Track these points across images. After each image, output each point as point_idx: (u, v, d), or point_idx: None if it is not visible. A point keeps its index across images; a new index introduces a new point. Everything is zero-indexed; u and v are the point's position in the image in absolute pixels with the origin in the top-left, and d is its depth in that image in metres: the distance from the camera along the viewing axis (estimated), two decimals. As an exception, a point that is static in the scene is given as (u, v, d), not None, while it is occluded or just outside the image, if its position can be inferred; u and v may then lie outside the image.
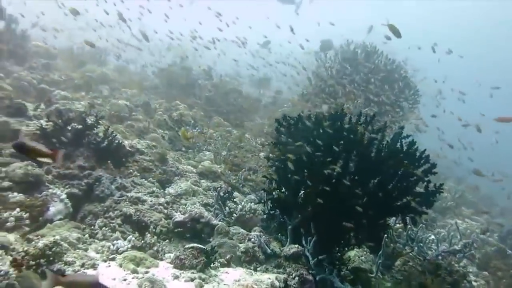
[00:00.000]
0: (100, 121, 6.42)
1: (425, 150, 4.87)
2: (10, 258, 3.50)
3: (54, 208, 5.05)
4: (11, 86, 8.37)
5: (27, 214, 4.58)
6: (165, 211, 5.83)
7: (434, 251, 5.74)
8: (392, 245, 5.92)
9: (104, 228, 5.12)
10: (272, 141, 5.40)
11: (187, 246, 4.65)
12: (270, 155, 5.52)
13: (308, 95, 11.58)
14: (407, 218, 5.06)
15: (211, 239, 5.35)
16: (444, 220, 10.79)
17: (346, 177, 4.73)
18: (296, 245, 5.05)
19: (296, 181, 5.06)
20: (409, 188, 4.80)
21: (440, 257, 5.68)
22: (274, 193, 5.27)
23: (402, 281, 5.54)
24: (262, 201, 5.59)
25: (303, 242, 4.94)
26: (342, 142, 4.83)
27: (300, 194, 5.13)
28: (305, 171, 4.93)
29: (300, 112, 5.33)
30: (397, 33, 7.64)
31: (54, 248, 3.67)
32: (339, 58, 11.47)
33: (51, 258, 3.62)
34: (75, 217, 5.31)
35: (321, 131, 4.95)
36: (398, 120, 10.69)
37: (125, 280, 3.89)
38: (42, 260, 3.55)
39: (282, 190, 5.28)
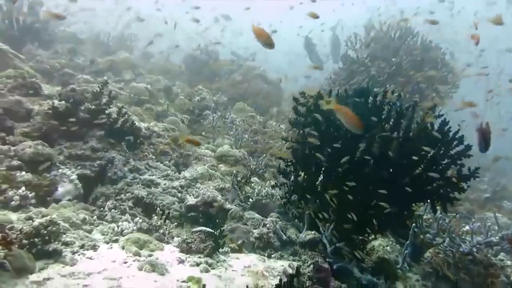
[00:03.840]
0: (113, 101, 6.21)
1: (458, 130, 4.43)
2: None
3: (63, 188, 4.91)
4: (32, 69, 8.32)
5: (33, 194, 4.43)
6: (179, 194, 5.60)
7: (468, 242, 5.26)
8: (421, 235, 5.51)
9: (113, 210, 4.93)
10: (290, 121, 5.06)
11: (194, 229, 4.40)
12: (288, 136, 5.20)
13: (337, 80, 11.12)
14: (437, 205, 4.65)
15: (224, 224, 5.09)
16: (482, 213, 10.15)
17: (370, 159, 4.36)
18: (313, 232, 4.72)
19: (315, 164, 4.73)
20: (440, 172, 4.38)
21: (475, 250, 5.22)
22: (291, 176, 4.95)
23: (432, 274, 5.15)
24: (279, 185, 5.27)
25: (321, 228, 4.62)
26: (366, 120, 4.45)
27: (319, 177, 4.79)
28: (325, 152, 4.59)
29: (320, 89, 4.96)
30: None
31: (50, 227, 3.46)
32: (370, 39, 10.92)
33: (46, 238, 3.42)
34: (86, 199, 5.15)
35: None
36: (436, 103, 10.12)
37: (125, 262, 3.67)
38: (36, 239, 3.36)
39: (300, 173, 4.95)
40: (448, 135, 4.42)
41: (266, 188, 5.87)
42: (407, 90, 9.91)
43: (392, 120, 4.46)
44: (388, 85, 9.78)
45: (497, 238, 5.68)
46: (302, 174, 4.99)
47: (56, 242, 3.52)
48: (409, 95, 9.79)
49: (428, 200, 4.61)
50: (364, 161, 4.36)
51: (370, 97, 4.61)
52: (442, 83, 10.48)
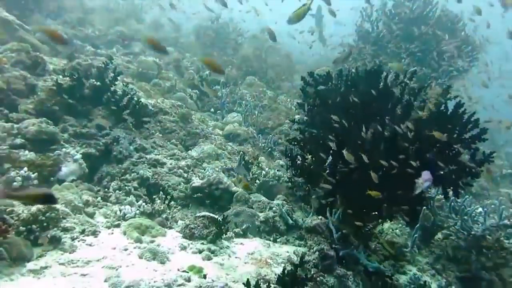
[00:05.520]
0: (119, 77, 6.05)
1: (474, 113, 4.20)
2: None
3: (67, 168, 4.82)
4: (39, 40, 8.17)
5: (35, 174, 4.35)
6: (185, 175, 5.51)
7: (480, 225, 5.10)
8: (432, 217, 5.38)
9: (118, 191, 4.86)
10: (298, 102, 4.87)
11: (198, 214, 4.32)
12: (296, 117, 5.02)
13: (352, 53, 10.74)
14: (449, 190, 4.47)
15: (230, 207, 5.00)
16: (497, 190, 9.89)
17: (380, 144, 4.18)
18: (320, 217, 4.60)
19: (323, 147, 4.56)
20: (452, 157, 4.18)
21: (487, 232, 5.06)
22: (297, 159, 4.79)
23: (442, 257, 5.04)
24: (285, 168, 5.13)
25: (328, 213, 4.48)
26: (376, 103, 4.24)
27: (327, 161, 4.63)
28: (333, 135, 4.41)
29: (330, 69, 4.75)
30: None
31: (48, 213, 3.40)
32: (387, 10, 10.46)
33: (44, 224, 3.36)
34: (91, 178, 5.08)
35: (353, 90, 4.36)
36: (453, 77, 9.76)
37: (126, 249, 3.60)
38: (34, 226, 3.29)
39: (307, 156, 4.79)
40: (462, 118, 4.20)
41: (274, 170, 5.75)
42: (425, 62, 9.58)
43: (403, 102, 4.25)
44: (403, 60, 9.46)
45: (511, 220, 5.51)
46: (310, 156, 4.83)
47: (55, 228, 3.45)
48: (426, 69, 9.47)
49: (440, 186, 4.43)
50: (374, 145, 4.18)
51: (381, 77, 4.39)
52: (460, 57, 10.07)
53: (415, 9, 10.24)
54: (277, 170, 5.64)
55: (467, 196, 5.59)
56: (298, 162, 4.86)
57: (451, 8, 10.47)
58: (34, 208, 3.38)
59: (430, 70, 9.47)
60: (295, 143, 4.84)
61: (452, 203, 5.18)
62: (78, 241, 3.56)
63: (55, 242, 3.38)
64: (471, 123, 4.16)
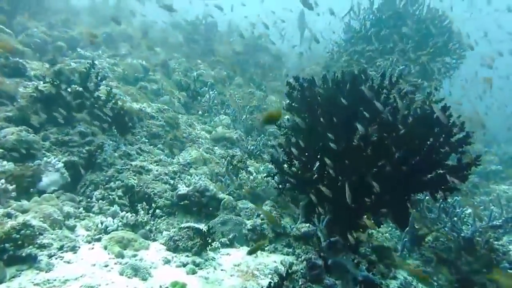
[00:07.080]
0: (102, 82, 5.90)
1: (459, 116, 4.12)
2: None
3: (48, 178, 4.68)
4: (21, 43, 7.99)
5: (13, 186, 4.19)
6: (172, 181, 5.37)
7: (470, 226, 5.04)
8: (422, 219, 5.31)
9: (101, 201, 4.72)
10: (284, 107, 4.77)
11: (182, 225, 4.19)
12: (285, 118, 4.93)
13: (339, 52, 10.65)
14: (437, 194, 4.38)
15: (217, 214, 4.88)
16: (488, 186, 9.85)
17: (366, 148, 4.08)
18: (308, 225, 4.50)
19: (309, 153, 4.46)
20: (439, 161, 4.09)
21: (477, 234, 5.00)
22: (284, 165, 4.68)
23: (432, 260, 4.97)
24: (271, 174, 5.02)
25: (316, 221, 4.39)
26: (362, 108, 4.14)
27: (314, 167, 4.52)
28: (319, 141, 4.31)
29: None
30: None
31: (23, 231, 3.26)
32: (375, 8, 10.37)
33: (19, 242, 3.22)
34: (74, 187, 4.94)
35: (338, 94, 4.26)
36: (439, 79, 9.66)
37: (106, 266, 3.46)
38: (7, 245, 3.15)
39: (294, 163, 4.68)
40: (448, 121, 4.11)
41: (262, 175, 5.63)
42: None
43: (390, 106, 4.15)
44: (391, 58, 9.36)
45: (500, 221, 5.46)
46: (296, 162, 4.73)
47: (31, 246, 3.31)
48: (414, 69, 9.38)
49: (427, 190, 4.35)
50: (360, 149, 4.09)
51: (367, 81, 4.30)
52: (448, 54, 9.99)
53: (402, 6, 10.17)
54: (265, 175, 5.51)
55: (457, 197, 5.53)
56: (285, 167, 4.76)
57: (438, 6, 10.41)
58: (7, 226, 3.23)
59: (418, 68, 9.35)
60: (281, 148, 4.74)
61: (442, 205, 5.11)
62: (56, 258, 3.42)
63: (30, 261, 3.24)
64: (457, 126, 4.08)
